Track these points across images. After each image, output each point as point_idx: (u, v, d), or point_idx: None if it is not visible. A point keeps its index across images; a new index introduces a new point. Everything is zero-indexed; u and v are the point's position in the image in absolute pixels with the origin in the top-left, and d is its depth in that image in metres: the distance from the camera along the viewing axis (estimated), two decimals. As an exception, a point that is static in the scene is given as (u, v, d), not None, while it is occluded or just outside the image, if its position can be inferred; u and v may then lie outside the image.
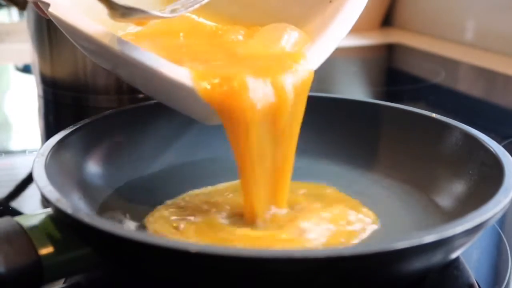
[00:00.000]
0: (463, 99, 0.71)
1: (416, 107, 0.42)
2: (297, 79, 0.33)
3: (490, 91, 0.78)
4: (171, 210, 0.36)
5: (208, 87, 0.31)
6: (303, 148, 0.43)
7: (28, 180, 0.45)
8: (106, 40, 0.31)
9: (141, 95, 0.59)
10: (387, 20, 1.13)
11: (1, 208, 0.41)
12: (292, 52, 0.36)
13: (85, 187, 0.36)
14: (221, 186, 0.40)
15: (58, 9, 0.33)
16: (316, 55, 0.35)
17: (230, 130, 0.33)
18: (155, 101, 0.44)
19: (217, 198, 0.38)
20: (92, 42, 0.32)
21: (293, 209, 0.36)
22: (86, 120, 0.39)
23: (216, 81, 0.32)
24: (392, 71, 0.93)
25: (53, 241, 0.28)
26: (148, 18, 0.32)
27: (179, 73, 0.31)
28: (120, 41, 0.31)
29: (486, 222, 0.27)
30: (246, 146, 0.33)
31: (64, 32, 0.35)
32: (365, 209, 0.36)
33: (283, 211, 0.35)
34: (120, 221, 0.35)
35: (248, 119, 0.32)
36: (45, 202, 0.29)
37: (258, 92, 0.32)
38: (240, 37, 0.38)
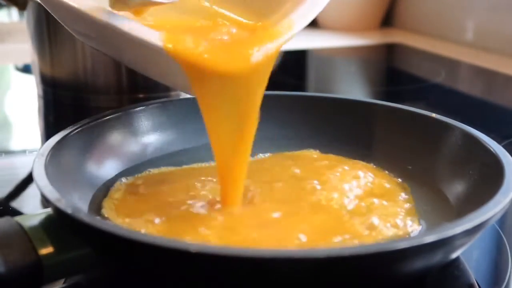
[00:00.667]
0: (463, 99, 0.71)
1: (416, 107, 0.42)
2: (268, 48, 0.33)
3: (490, 91, 0.78)
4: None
5: (177, 46, 0.32)
6: (302, 147, 0.43)
7: (28, 180, 0.45)
8: (88, 10, 0.32)
9: (141, 95, 0.59)
10: (387, 20, 1.13)
11: (1, 208, 0.41)
12: (278, 20, 0.36)
13: (85, 187, 0.36)
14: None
15: None
16: (300, 19, 0.35)
17: (196, 90, 0.33)
18: (153, 101, 0.44)
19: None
20: (77, 14, 0.32)
21: None
22: (86, 120, 0.39)
23: (185, 40, 0.32)
24: (392, 71, 0.93)
25: (53, 241, 0.28)
26: (148, 5, 0.32)
27: (150, 34, 0.32)
28: (101, 10, 0.32)
29: (486, 222, 0.27)
30: (210, 106, 0.33)
31: (46, 7, 0.35)
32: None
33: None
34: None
35: (211, 77, 0.32)
36: (45, 202, 0.29)
37: (224, 52, 0.32)
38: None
